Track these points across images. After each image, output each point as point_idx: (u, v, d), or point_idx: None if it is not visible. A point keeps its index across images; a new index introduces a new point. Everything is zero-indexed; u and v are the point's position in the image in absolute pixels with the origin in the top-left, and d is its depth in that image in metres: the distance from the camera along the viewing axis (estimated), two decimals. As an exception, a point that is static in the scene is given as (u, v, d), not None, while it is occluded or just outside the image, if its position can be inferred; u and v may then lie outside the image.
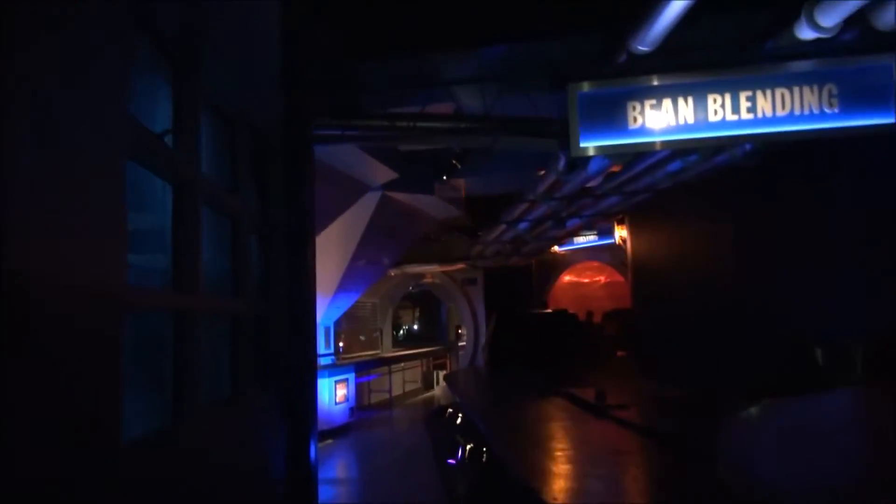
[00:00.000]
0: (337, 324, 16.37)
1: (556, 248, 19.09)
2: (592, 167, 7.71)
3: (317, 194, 9.43)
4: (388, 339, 19.17)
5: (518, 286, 20.12)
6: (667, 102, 5.32)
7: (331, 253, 11.88)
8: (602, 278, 20.68)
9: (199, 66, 3.47)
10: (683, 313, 10.15)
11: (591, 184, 9.18)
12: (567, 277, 20.59)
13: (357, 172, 9.81)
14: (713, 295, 9.07)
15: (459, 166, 10.63)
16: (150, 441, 2.87)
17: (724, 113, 5.25)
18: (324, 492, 8.91)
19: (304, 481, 5.58)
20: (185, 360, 3.17)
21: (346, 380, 13.11)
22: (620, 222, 15.52)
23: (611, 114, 5.38)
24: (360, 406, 16.21)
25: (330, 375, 12.51)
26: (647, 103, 5.34)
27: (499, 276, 20.22)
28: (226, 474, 3.96)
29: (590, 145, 5.40)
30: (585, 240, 18.53)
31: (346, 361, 14.36)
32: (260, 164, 5.55)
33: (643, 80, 5.36)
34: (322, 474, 9.81)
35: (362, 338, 19.12)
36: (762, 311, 7.69)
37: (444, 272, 20.03)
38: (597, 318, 16.31)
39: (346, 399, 13.05)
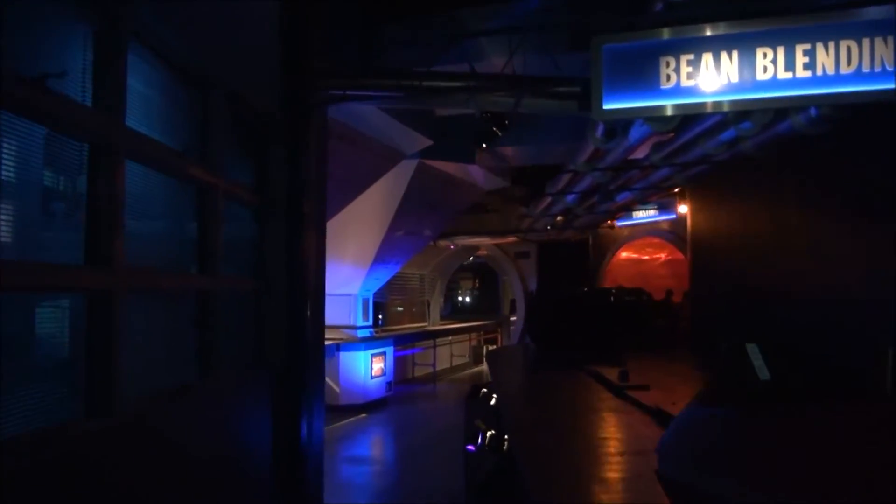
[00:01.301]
0: (381, 295, 16.16)
1: (612, 223, 18.17)
2: (633, 135, 6.96)
3: (346, 161, 9.11)
4: (436, 312, 18.85)
5: (573, 261, 19.34)
6: (707, 57, 4.58)
7: (367, 223, 11.55)
8: (663, 255, 19.59)
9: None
10: (740, 294, 9.33)
11: (636, 154, 8.40)
12: (624, 254, 19.61)
13: (389, 139, 9.34)
14: (772, 278, 8.22)
15: (500, 134, 9.99)
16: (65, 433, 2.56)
17: (775, 70, 4.47)
18: (343, 470, 8.71)
19: (297, 463, 5.27)
20: (100, 346, 2.81)
21: (384, 353, 12.86)
22: (683, 197, 14.56)
23: (641, 71, 4.68)
24: (403, 379, 16.03)
25: (366, 348, 12.28)
26: (684, 59, 4.61)
27: (553, 250, 19.50)
28: (187, 458, 3.66)
29: (615, 107, 4.73)
30: (645, 214, 17.52)
31: (386, 334, 14.10)
32: (254, 134, 5.18)
33: (680, 31, 4.63)
34: (346, 451, 9.65)
35: (407, 309, 18.88)
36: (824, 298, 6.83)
37: (496, 245, 19.45)
38: (677, 298, 15.36)
39: (384, 373, 12.81)
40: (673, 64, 4.63)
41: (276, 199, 5.32)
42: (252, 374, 4.89)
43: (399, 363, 15.93)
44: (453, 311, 24.71)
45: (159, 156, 3.42)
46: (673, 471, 2.74)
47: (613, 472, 4.00)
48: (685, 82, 4.60)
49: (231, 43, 4.51)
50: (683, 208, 15.23)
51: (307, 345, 5.47)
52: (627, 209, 15.18)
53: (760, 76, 4.49)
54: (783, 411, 2.46)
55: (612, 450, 4.52)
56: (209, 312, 4.05)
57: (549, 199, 12.08)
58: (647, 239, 19.12)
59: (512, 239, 18.23)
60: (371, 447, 10.19)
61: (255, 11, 5.00)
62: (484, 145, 10.33)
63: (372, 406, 12.34)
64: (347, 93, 5.42)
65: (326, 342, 12.04)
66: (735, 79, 4.53)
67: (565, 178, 10.03)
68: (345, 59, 5.77)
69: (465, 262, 25.91)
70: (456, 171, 11.66)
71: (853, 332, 5.93)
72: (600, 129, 7.05)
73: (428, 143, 9.84)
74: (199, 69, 3.95)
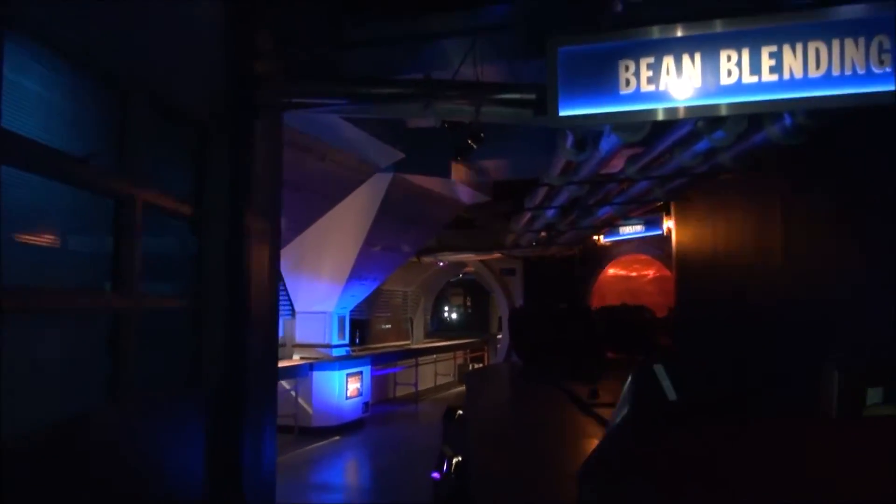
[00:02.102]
0: (362, 312, 15.82)
1: (599, 239, 17.92)
2: (604, 146, 6.70)
3: (314, 174, 8.82)
4: (419, 330, 18.48)
5: (559, 278, 19.05)
6: (668, 61, 4.30)
7: (341, 239, 11.25)
8: (651, 272, 19.34)
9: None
10: (724, 317, 9.03)
11: (612, 167, 8.14)
12: (612, 270, 19.35)
13: (360, 151, 9.07)
14: (757, 296, 7.94)
15: (475, 147, 9.69)
16: None
17: (739, 73, 4.20)
18: (307, 497, 8.31)
19: (234, 492, 4.91)
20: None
21: (360, 373, 12.50)
22: (668, 212, 14.34)
23: (599, 76, 4.41)
24: (384, 399, 15.64)
25: (341, 368, 11.92)
26: (644, 62, 4.34)
27: (539, 267, 19.21)
28: (84, 489, 3.31)
29: (572, 114, 4.45)
30: (631, 230, 17.27)
31: (363, 353, 13.74)
32: (190, 141, 4.88)
33: (640, 32, 4.36)
34: (313, 476, 9.26)
35: (390, 327, 18.53)
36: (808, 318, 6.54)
37: (481, 261, 19.15)
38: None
39: (360, 393, 12.44)
40: (632, 68, 4.35)
41: (216, 210, 5.00)
42: (182, 398, 4.54)
43: (379, 383, 15.55)
44: (441, 328, 24.34)
45: (47, 161, 3.10)
46: (589, 494, 2.72)
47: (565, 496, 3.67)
48: (645, 87, 4.32)
49: (165, 43, 4.22)
50: (670, 223, 15.00)
51: (249, 365, 5.13)
52: (611, 225, 14.92)
53: (725, 80, 4.22)
54: (691, 432, 2.48)
55: (568, 469, 4.22)
56: (122, 334, 3.72)
57: (528, 215, 11.80)
58: (634, 255, 18.87)
59: (497, 255, 17.93)
60: (340, 472, 9.79)
61: (195, 10, 4.72)
62: (458, 158, 10.03)
63: (347, 428, 11.96)
64: (294, 100, 5.12)
65: (299, 362, 11.75)
66: (698, 83, 4.26)
67: (542, 192, 9.75)
68: (300, 64, 5.48)
69: (455, 279, 25.62)
70: (434, 186, 11.38)
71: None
72: (570, 141, 6.79)
73: (399, 155, 9.58)
74: (112, 69, 3.65)
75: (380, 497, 8.57)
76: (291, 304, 12.20)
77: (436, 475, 7.33)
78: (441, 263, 20.19)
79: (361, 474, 9.89)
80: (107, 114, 3.76)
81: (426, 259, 18.28)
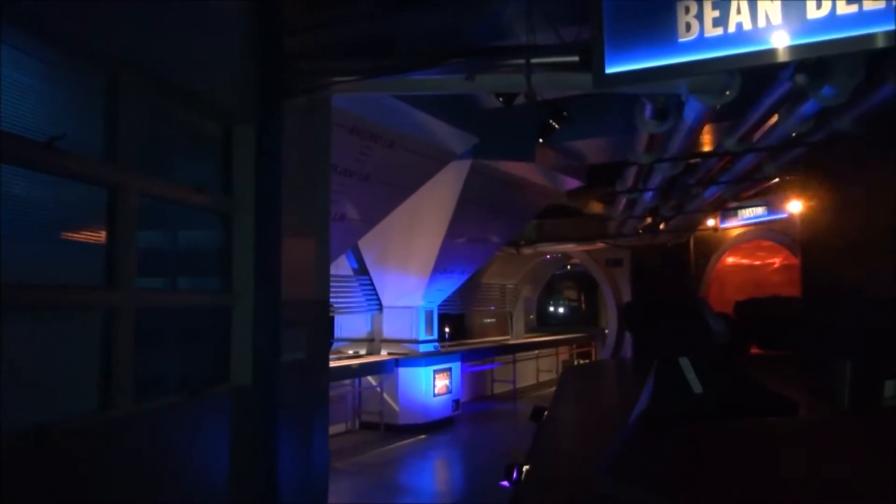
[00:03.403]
0: (454, 307, 15.48)
1: (716, 225, 16.51)
2: (689, 114, 5.86)
3: (383, 163, 8.52)
4: (519, 324, 17.87)
5: (671, 268, 17.77)
6: (738, -4, 3.52)
7: (423, 230, 10.93)
8: (777, 260, 17.56)
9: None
10: (858, 304, 7.85)
11: (707, 141, 7.21)
12: (731, 259, 17.77)
13: (430, 137, 8.66)
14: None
15: (557, 126, 8.99)
16: None
17: (833, 5, 3.35)
18: (382, 497, 8.04)
19: (265, 499, 4.66)
20: None
21: (449, 369, 12.14)
22: (795, 192, 12.92)
23: (652, 21, 3.70)
24: (480, 396, 15.24)
25: (427, 364, 11.61)
26: (707, 1, 3.59)
27: (648, 257, 18.01)
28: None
29: (621, 70, 3.77)
30: (752, 214, 15.77)
31: (453, 349, 13.37)
32: (213, 130, 4.68)
33: (702, -35, 3.60)
34: (394, 477, 8.99)
35: (488, 321, 18.09)
36: None
37: (586, 252, 18.24)
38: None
39: (449, 390, 12.09)
40: (694, 8, 3.61)
41: (243, 202, 4.77)
42: (207, 397, 4.33)
43: (475, 379, 15.16)
44: (547, 322, 23.57)
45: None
46: (610, 487, 2.74)
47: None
48: (710, 31, 3.57)
49: (178, 25, 4.00)
50: (795, 206, 13.51)
51: (283, 364, 4.87)
52: (725, 208, 13.63)
53: (812, 13, 3.38)
54: (715, 426, 2.51)
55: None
56: (118, 332, 3.52)
57: (624, 200, 10.91)
58: (756, 242, 17.22)
59: (601, 245, 16.98)
60: (421, 473, 9.47)
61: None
62: (541, 140, 9.36)
63: (435, 426, 11.65)
64: (326, 80, 4.77)
65: (385, 357, 11.57)
66: (777, 20, 3.45)
67: (632, 172, 8.89)
68: (340, 39, 5.12)
69: (562, 271, 24.72)
70: (518, 171, 10.79)
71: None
72: (648, 110, 6.03)
73: (474, 140, 9.08)
74: (105, 52, 3.45)
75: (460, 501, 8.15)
76: (378, 299, 12.04)
77: (505, 484, 6.82)
78: (547, 256, 19.48)
79: (442, 476, 9.51)
80: (97, 98, 3.57)
81: (526, 251, 17.67)
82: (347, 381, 11.31)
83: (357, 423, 11.70)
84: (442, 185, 10.14)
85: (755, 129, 6.41)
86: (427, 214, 10.76)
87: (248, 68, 4.70)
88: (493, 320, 18.37)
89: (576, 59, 4.10)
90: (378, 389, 11.40)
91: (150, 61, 3.75)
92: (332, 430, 11.11)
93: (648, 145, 7.15)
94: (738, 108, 6.49)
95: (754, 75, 5.59)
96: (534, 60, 4.24)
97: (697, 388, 2.74)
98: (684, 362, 2.77)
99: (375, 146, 8.13)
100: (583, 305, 25.62)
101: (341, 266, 11.63)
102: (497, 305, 17.62)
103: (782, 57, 3.55)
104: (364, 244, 11.54)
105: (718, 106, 5.48)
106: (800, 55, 3.53)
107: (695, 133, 6.37)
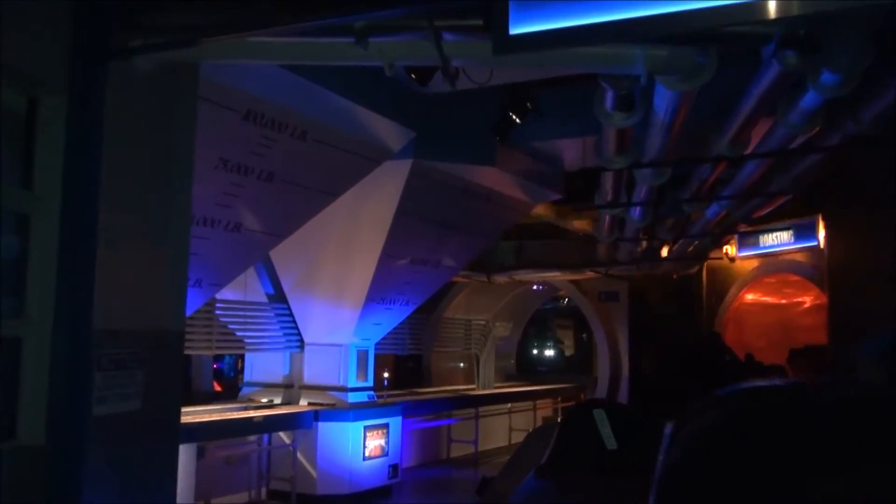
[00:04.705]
0: (399, 346, 15.05)
1: (732, 253, 16.30)
2: (659, 103, 5.53)
3: (292, 158, 8.10)
4: (488, 371, 17.42)
5: (678, 305, 17.50)
6: (681, -67, 3.17)
7: (352, 248, 10.55)
8: (807, 299, 17.30)
9: None
10: None
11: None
12: (750, 296, 17.50)
13: (352, 128, 8.29)
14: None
15: (518, 121, 8.67)
16: None
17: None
18: None
19: None
20: None
21: (386, 425, 11.65)
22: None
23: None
24: (431, 461, 14.75)
25: (356, 419, 11.12)
26: (640, -60, 3.23)
27: (649, 290, 17.72)
28: None
29: (529, 31, 3.40)
30: (776, 241, 15.56)
31: (395, 399, 12.89)
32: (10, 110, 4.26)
33: None
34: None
35: (453, 366, 17.66)
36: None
37: (571, 282, 17.92)
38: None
39: (384, 452, 11.58)
40: (623, -49, 3.26)
41: (47, 197, 4.33)
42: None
43: (427, 439, 14.69)
44: (528, 369, 23.13)
45: None
46: None
47: None
48: (640, -19, 3.21)
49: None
50: (819, 229, 13.37)
51: (93, 415, 4.41)
52: (738, 231, 13.40)
53: (776, -40, 3.03)
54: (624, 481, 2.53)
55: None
56: None
57: (607, 217, 10.58)
58: (782, 276, 16.96)
59: (590, 274, 16.66)
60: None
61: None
62: (498, 139, 9.03)
63: (364, 498, 11.14)
64: (157, 39, 4.37)
65: (301, 409, 11.08)
66: (731, -34, 3.10)
67: (609, 180, 8.55)
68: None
69: (557, 305, 24.34)
70: (474, 177, 10.45)
71: None
72: (609, 97, 5.69)
73: (411, 135, 8.74)
74: None
75: None
76: (299, 333, 11.57)
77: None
78: (537, 287, 19.02)
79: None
80: None
81: (500, 279, 17.32)
82: (253, 438, 10.80)
83: (264, 491, 11.16)
84: (376, 190, 9.78)
85: (747, 127, 6.09)
86: (356, 228, 10.37)
87: (53, 14, 4.28)
88: (463, 365, 17.92)
89: (480, 21, 3.74)
90: (290, 449, 10.88)
91: None
92: (231, 500, 10.59)
93: (619, 145, 6.80)
94: (730, 103, 6.20)
95: (740, 58, 5.29)
96: (439, 23, 3.87)
97: (611, 444, 2.86)
98: (599, 414, 2.88)
99: (280, 136, 7.74)
100: (569, 348, 25.30)
101: (253, 290, 11.18)
102: (460, 346, 17.19)
103: (746, 16, 3.19)
104: (281, 264, 11.12)
105: (692, 93, 5.16)
106: (777, 14, 3.16)
107: (672, 129, 6.02)
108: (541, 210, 14.76)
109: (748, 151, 6.95)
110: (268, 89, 7.05)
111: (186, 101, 5.41)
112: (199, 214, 7.67)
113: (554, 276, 17.22)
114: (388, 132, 8.60)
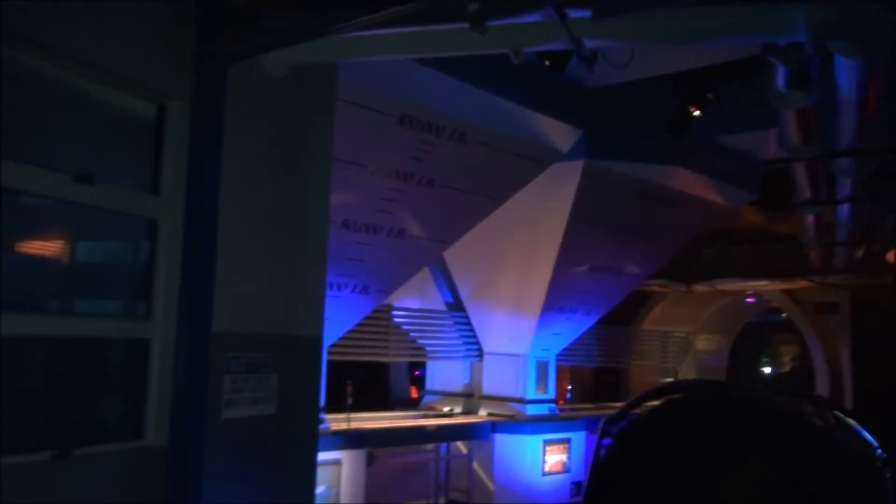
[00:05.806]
0: (589, 359, 14.39)
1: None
2: (841, 77, 4.67)
3: (452, 163, 7.90)
4: (688, 386, 16.30)
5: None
6: None
7: (527, 255, 10.18)
8: None
9: None
10: None
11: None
12: None
13: (515, 129, 7.94)
14: None
15: (697, 112, 7.90)
16: None
17: None
18: None
19: None
20: None
21: (568, 440, 11.13)
22: None
23: None
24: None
25: (534, 431, 10.72)
26: None
27: (878, 300, 15.68)
28: None
29: None
30: None
31: (580, 413, 12.30)
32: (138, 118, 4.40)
33: None
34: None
35: (652, 379, 16.68)
36: None
37: (782, 291, 16.35)
38: None
39: (566, 468, 11.07)
40: None
41: (173, 206, 4.39)
42: (84, 463, 3.94)
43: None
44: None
45: None
46: None
47: None
48: None
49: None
50: None
51: (210, 414, 4.41)
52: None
53: None
54: None
55: None
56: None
57: (810, 217, 9.38)
58: None
59: (803, 283, 15.07)
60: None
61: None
62: (676, 135, 8.28)
63: (542, 515, 10.69)
64: (267, 40, 4.31)
65: (479, 419, 10.86)
66: None
67: (801, 173, 7.50)
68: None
69: (775, 318, 22.44)
70: (654, 177, 9.70)
71: None
72: (780, 74, 4.93)
73: (577, 134, 8.24)
74: None
75: None
76: (478, 342, 11.38)
77: None
78: (750, 299, 17.64)
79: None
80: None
81: (700, 288, 16.20)
82: (430, 447, 10.74)
83: (442, 501, 11.04)
84: (549, 194, 9.36)
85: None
86: (534, 234, 9.99)
87: (176, 21, 4.34)
88: (651, 378, 16.97)
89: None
90: (467, 459, 10.69)
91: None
92: (411, 507, 10.60)
93: (803, 131, 5.89)
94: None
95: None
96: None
97: None
98: None
99: (438, 140, 7.58)
100: (788, 364, 23.12)
101: (430, 298, 11.17)
102: (657, 359, 16.24)
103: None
104: (458, 272, 11.01)
105: (882, 62, 4.31)
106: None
107: (864, 109, 5.09)
108: (748, 214, 13.62)
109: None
110: (413, 90, 6.90)
111: (322, 105, 5.35)
112: (360, 221, 7.71)
113: (761, 285, 15.84)
114: (553, 131, 8.17)
